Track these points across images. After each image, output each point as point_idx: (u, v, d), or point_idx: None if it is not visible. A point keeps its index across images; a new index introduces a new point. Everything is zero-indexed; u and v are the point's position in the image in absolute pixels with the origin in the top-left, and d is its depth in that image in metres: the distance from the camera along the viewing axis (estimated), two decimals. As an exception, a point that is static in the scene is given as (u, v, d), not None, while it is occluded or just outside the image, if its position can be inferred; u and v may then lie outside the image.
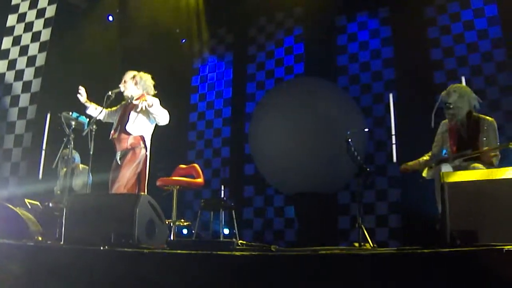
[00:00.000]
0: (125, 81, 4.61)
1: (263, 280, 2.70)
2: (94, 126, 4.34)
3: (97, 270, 3.14)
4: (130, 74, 4.65)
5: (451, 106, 4.24)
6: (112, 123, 4.74)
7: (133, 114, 4.52)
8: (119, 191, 4.33)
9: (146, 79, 4.65)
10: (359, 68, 8.20)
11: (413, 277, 2.41)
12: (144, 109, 4.36)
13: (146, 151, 4.52)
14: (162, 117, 4.49)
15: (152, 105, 4.34)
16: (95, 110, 4.68)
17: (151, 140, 4.64)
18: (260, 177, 8.32)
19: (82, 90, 4.60)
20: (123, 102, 4.78)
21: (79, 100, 4.65)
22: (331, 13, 8.24)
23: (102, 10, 8.89)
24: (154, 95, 4.67)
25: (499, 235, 2.65)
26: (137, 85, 4.60)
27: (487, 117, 4.24)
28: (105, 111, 4.72)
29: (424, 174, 4.41)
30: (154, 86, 4.73)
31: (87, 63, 7.96)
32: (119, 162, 4.50)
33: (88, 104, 4.67)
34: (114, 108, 4.83)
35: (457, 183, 3.02)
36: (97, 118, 4.62)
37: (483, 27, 7.17)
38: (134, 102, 4.55)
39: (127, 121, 4.50)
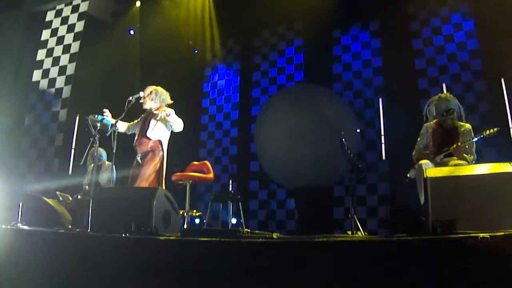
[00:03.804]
0: (144, 96, 4.69)
1: (266, 264, 2.71)
2: (117, 128, 4.49)
3: (119, 254, 3.17)
4: (148, 89, 4.75)
5: (453, 112, 4.21)
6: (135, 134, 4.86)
7: (152, 122, 4.65)
8: (141, 185, 4.40)
9: (162, 92, 4.77)
10: (352, 76, 8.13)
11: (399, 261, 2.42)
12: (163, 118, 4.50)
13: (164, 153, 4.64)
14: (178, 125, 4.62)
15: (170, 114, 4.47)
16: (121, 124, 4.81)
17: (168, 144, 4.75)
18: (264, 173, 8.33)
19: (107, 112, 4.62)
20: (143, 115, 4.88)
21: (105, 104, 4.70)
22: (328, 26, 8.20)
23: (124, 25, 8.97)
24: (170, 105, 4.79)
25: (475, 224, 2.66)
26: (154, 99, 4.72)
27: (465, 124, 4.25)
28: (126, 124, 4.89)
29: (409, 174, 4.38)
30: (170, 95, 4.84)
31: (111, 72, 8.01)
32: (140, 162, 4.59)
33: (114, 121, 4.69)
34: (135, 121, 4.94)
35: (438, 178, 3.01)
36: (123, 131, 4.83)
37: (461, 40, 7.12)
38: (155, 112, 4.68)
39: (148, 128, 4.63)
